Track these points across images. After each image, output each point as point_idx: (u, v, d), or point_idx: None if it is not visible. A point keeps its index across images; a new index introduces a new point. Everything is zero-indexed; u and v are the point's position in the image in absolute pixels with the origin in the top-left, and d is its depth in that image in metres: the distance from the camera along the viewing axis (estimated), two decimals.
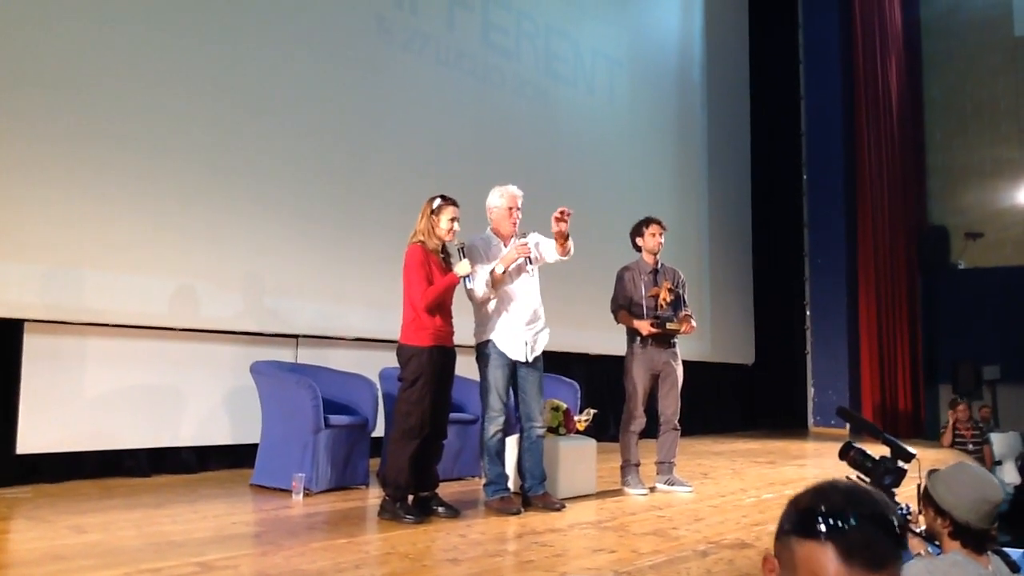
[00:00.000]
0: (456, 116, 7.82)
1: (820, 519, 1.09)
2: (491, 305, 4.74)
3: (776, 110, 12.93)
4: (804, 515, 1.12)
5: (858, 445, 2.57)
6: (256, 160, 6.19)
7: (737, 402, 11.88)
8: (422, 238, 4.46)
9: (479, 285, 4.62)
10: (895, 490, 2.48)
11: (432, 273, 4.39)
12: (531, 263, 4.74)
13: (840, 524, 1.08)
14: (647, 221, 5.78)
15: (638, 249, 5.80)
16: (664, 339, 5.61)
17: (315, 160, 6.58)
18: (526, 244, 4.66)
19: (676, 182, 10.95)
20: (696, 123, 11.54)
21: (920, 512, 2.51)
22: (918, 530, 2.47)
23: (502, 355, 4.71)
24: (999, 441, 10.09)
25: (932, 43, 13.97)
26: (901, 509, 2.46)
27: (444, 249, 4.55)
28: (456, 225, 4.48)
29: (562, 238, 4.66)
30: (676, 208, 10.57)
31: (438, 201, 4.49)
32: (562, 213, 4.55)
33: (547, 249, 4.83)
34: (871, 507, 1.10)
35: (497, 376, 4.70)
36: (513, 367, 4.75)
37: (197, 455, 5.81)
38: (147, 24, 5.63)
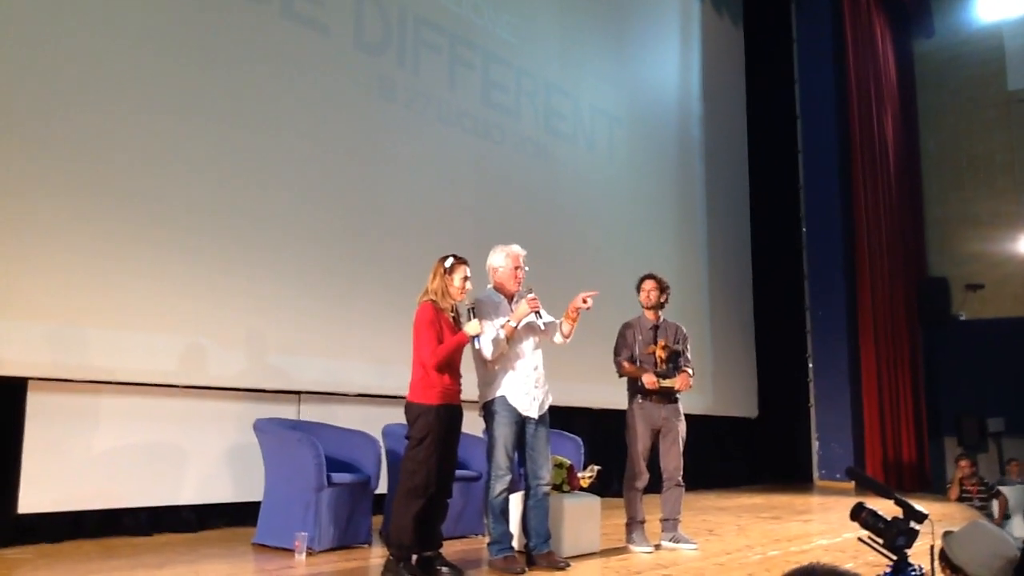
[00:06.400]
0: (457, 173, 7.90)
1: None
2: (499, 363, 4.73)
3: (774, 164, 13.04)
4: None
5: (870, 506, 2.55)
6: (259, 218, 6.24)
7: (741, 456, 11.80)
8: (434, 297, 4.47)
9: (489, 343, 4.62)
10: (908, 550, 2.46)
11: (442, 332, 4.40)
12: (540, 317, 4.77)
13: None
14: (642, 279, 5.86)
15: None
16: (665, 395, 5.60)
17: (318, 218, 6.63)
18: (535, 298, 4.68)
19: (676, 236, 11.01)
20: (695, 178, 11.64)
21: (934, 573, 2.49)
22: None
23: (512, 411, 4.70)
24: (1008, 494, 10.01)
25: (927, 98, 14.18)
26: (914, 570, 2.44)
27: (454, 308, 4.55)
28: (468, 284, 4.51)
29: (572, 320, 4.81)
30: (677, 262, 10.62)
31: (451, 260, 4.51)
32: (584, 301, 4.75)
33: (550, 327, 4.90)
34: None
35: (506, 433, 4.68)
36: (522, 424, 4.74)
37: (198, 513, 5.76)
38: (151, 84, 5.71)
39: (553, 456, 5.13)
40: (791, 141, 13.21)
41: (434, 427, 4.31)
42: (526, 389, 4.75)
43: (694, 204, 11.54)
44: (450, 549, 4.77)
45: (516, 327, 4.68)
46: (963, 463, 10.25)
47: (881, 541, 2.50)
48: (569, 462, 5.49)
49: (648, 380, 5.49)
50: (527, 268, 4.90)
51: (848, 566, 1.16)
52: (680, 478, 5.63)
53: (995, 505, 9.83)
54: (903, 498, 2.54)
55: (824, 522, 7.65)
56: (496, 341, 4.63)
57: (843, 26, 12.86)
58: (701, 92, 11.99)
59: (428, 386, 4.37)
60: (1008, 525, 9.25)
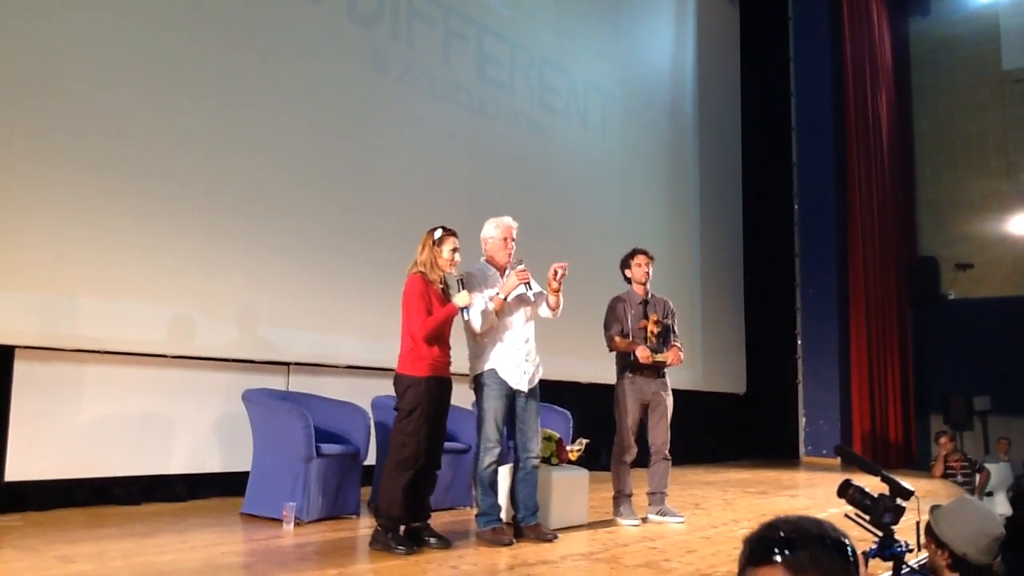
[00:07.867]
0: (450, 148, 7.85)
1: (771, 545, 1.17)
2: (489, 335, 4.73)
3: (768, 142, 13.03)
4: (756, 545, 1.20)
5: (856, 483, 2.57)
6: (250, 190, 6.20)
7: (728, 431, 11.87)
8: (423, 269, 4.45)
9: (479, 314, 4.61)
10: (895, 527, 2.48)
11: (432, 303, 4.39)
12: (530, 288, 4.74)
13: (788, 546, 1.15)
14: (633, 252, 5.82)
15: (628, 281, 5.82)
16: (654, 369, 5.61)
17: (309, 191, 6.59)
18: (525, 270, 4.66)
19: (668, 213, 11.01)
20: (688, 154, 11.62)
21: (919, 548, 2.52)
22: (915, 565, 2.47)
23: (503, 384, 4.69)
24: (991, 471, 10.11)
25: (922, 78, 14.16)
26: (900, 546, 2.46)
27: (443, 280, 4.54)
28: (457, 256, 4.49)
29: (555, 291, 4.77)
30: (668, 238, 10.63)
31: (439, 232, 4.49)
32: (556, 273, 4.68)
33: (539, 298, 4.87)
34: (817, 529, 1.18)
35: (497, 406, 4.67)
36: (512, 397, 4.74)
37: (187, 483, 5.76)
38: (143, 56, 5.65)
39: (542, 429, 5.14)
40: (785, 119, 13.20)
41: (423, 399, 4.31)
42: (516, 362, 4.74)
43: (687, 180, 11.52)
44: (438, 520, 4.78)
45: (505, 299, 4.67)
46: (943, 439, 10.37)
47: (867, 518, 2.52)
48: (558, 435, 5.51)
49: (642, 354, 5.49)
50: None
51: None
52: (667, 452, 5.66)
53: (977, 479, 9.93)
54: (889, 475, 2.56)
55: (810, 497, 7.71)
56: (485, 313, 4.62)
57: (839, 4, 12.82)
58: (695, 69, 11.94)
59: (417, 358, 4.36)
60: (989, 502, 9.33)
